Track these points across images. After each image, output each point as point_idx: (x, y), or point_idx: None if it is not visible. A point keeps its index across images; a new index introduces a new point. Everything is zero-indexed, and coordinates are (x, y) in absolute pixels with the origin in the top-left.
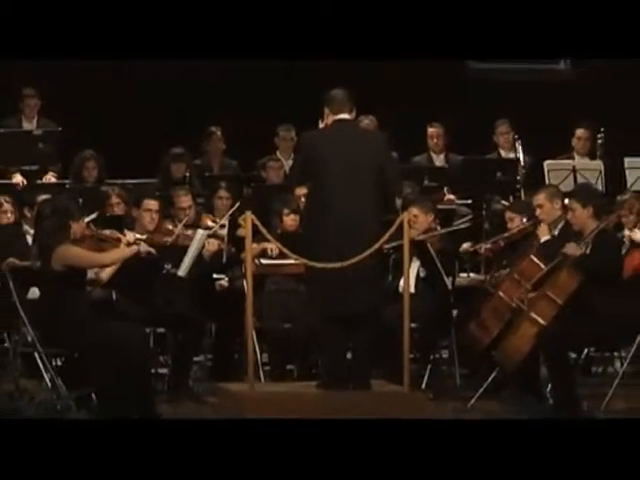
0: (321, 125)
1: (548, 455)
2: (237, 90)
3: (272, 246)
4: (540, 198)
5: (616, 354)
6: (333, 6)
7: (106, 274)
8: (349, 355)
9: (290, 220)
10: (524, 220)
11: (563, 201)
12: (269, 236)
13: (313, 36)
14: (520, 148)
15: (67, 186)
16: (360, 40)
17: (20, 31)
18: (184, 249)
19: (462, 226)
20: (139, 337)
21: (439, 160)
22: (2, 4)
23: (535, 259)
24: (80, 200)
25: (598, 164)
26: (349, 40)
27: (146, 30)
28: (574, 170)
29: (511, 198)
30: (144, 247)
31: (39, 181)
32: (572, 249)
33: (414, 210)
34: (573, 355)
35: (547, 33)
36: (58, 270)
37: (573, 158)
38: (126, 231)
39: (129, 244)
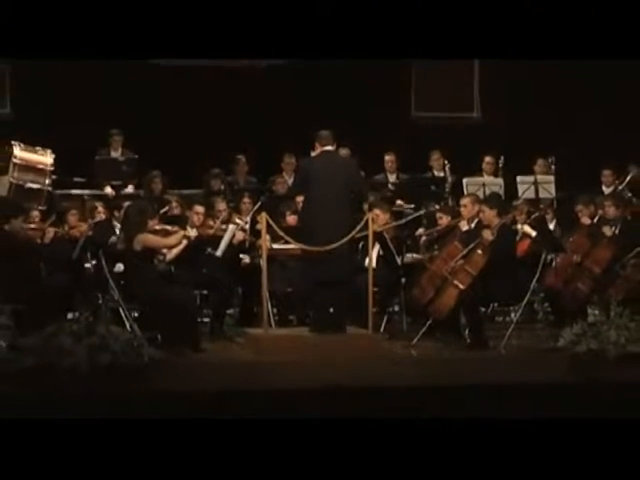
0: (313, 154)
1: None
2: (255, 130)
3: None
4: (467, 200)
5: (512, 308)
6: (332, 9)
7: (170, 254)
8: (331, 309)
9: (291, 219)
10: (449, 218)
11: (480, 205)
12: (278, 229)
13: (312, 38)
14: (448, 170)
15: (141, 195)
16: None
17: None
18: (220, 238)
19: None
20: (189, 296)
21: (392, 177)
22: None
23: (458, 244)
24: (155, 205)
25: (500, 181)
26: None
27: (145, 30)
28: (484, 185)
29: (441, 203)
30: (191, 235)
31: (122, 192)
32: (487, 234)
33: (376, 211)
34: (483, 309)
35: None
36: (137, 250)
37: (483, 176)
38: (187, 227)
39: (184, 235)
